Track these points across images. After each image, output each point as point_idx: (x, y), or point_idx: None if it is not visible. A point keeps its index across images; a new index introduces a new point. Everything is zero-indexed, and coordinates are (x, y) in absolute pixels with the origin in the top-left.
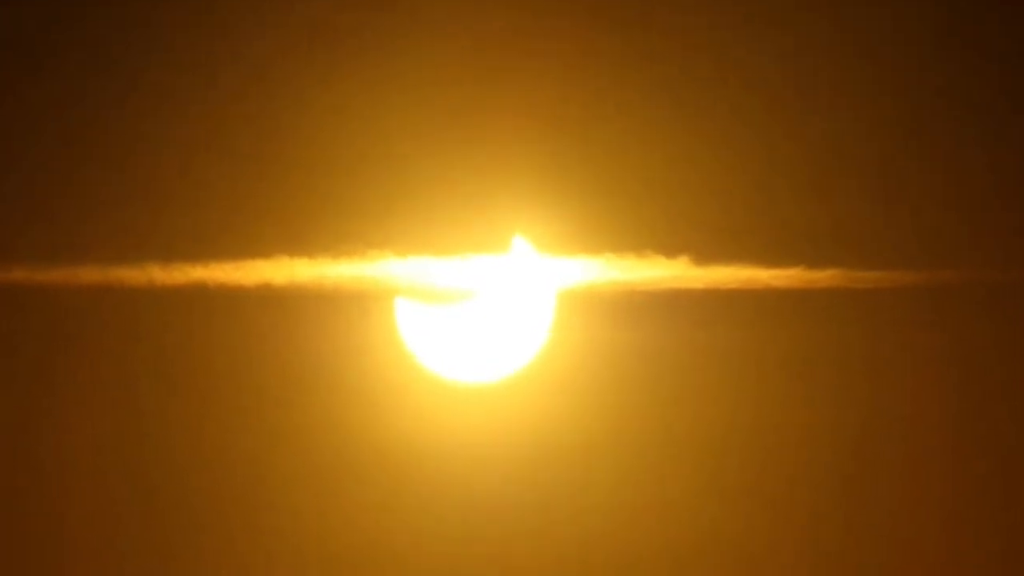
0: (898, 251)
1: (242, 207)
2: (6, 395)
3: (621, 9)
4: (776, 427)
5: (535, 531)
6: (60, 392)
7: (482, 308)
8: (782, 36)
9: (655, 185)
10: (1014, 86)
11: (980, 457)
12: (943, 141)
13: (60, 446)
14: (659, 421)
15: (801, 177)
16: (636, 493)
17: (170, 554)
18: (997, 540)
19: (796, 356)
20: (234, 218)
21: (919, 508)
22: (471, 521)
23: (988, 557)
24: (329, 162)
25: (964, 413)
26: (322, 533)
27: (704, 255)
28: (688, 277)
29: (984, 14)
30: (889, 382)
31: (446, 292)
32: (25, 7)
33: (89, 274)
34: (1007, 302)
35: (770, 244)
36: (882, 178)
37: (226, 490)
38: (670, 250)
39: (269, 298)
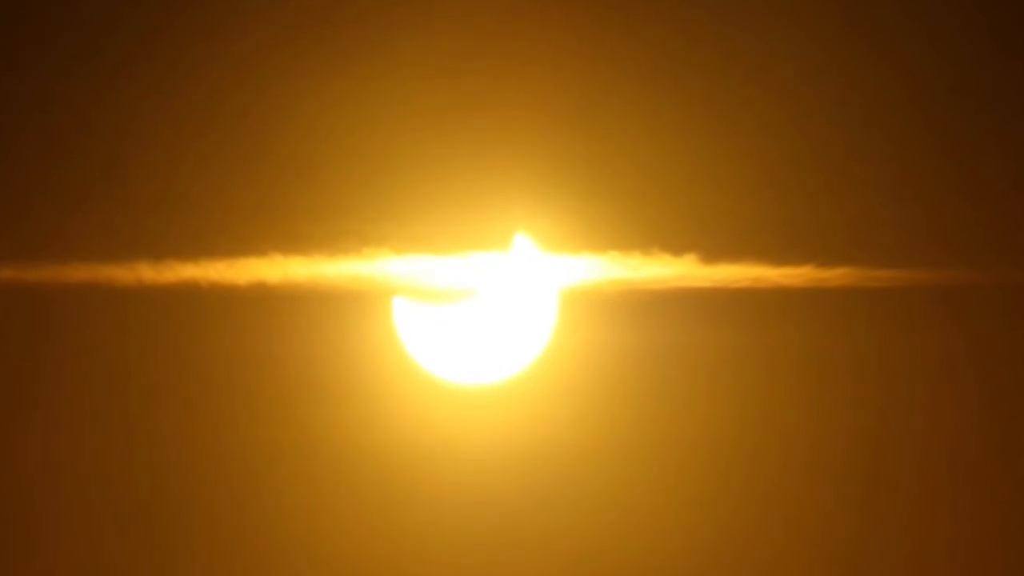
0: (913, 249)
1: (235, 203)
2: None
3: (627, 1)
4: (786, 432)
5: (538, 540)
6: (46, 397)
7: (483, 308)
8: (792, 28)
9: (661, 180)
10: None
11: (999, 463)
12: (960, 133)
13: (46, 451)
14: (666, 425)
15: (812, 171)
16: (642, 500)
17: (160, 559)
18: (1017, 546)
19: (807, 358)
20: (226, 214)
21: (935, 515)
22: (472, 532)
23: (1007, 564)
24: (325, 156)
25: (982, 417)
26: (315, 541)
27: (712, 253)
28: (695, 276)
29: (1004, 5)
30: (904, 386)
31: (445, 291)
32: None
33: (75, 273)
34: None
35: (780, 241)
36: (896, 172)
37: (217, 497)
38: (676, 248)
39: (262, 298)
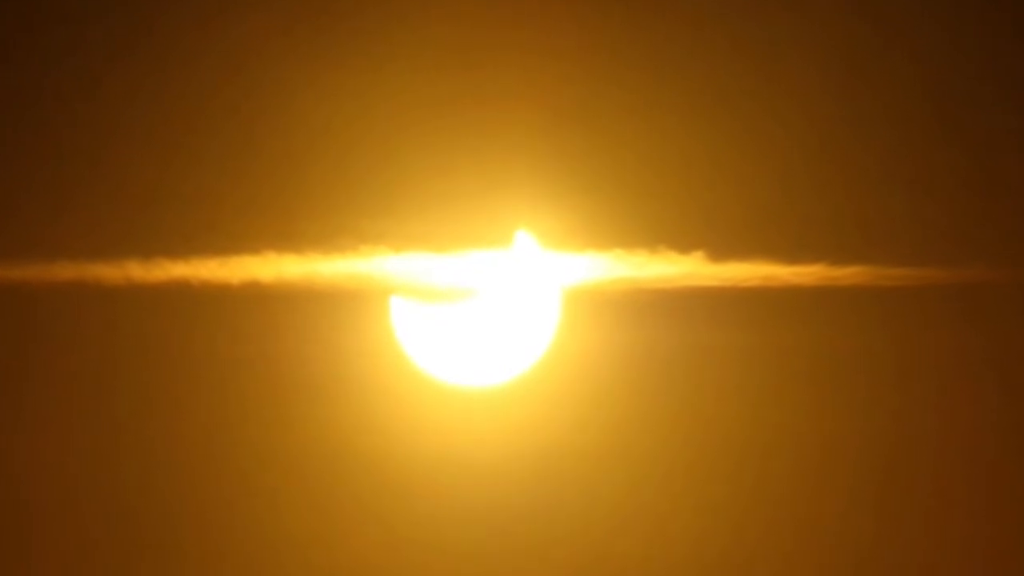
0: (927, 246)
1: (227, 198)
2: None
3: None
4: (797, 435)
5: (542, 547)
6: (33, 397)
7: (483, 307)
8: (802, 23)
9: (667, 175)
10: None
11: (1016, 463)
12: (974, 128)
13: (34, 452)
14: (673, 428)
15: (823, 165)
16: (648, 505)
17: (150, 561)
18: None
19: (819, 358)
20: (218, 210)
21: (951, 517)
22: (472, 541)
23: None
24: (320, 151)
25: (998, 417)
26: (308, 548)
27: (720, 251)
28: (703, 274)
29: (1019, 2)
30: (918, 386)
31: (445, 290)
32: None
33: (63, 271)
34: None
35: (790, 239)
36: (910, 167)
37: (209, 498)
38: (683, 245)
39: (256, 297)
